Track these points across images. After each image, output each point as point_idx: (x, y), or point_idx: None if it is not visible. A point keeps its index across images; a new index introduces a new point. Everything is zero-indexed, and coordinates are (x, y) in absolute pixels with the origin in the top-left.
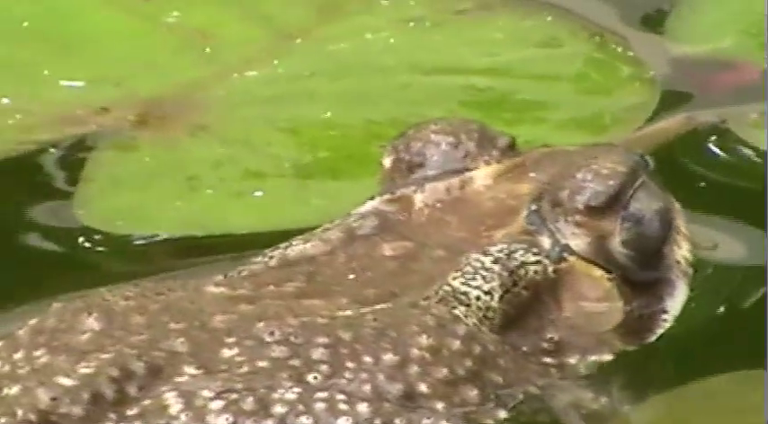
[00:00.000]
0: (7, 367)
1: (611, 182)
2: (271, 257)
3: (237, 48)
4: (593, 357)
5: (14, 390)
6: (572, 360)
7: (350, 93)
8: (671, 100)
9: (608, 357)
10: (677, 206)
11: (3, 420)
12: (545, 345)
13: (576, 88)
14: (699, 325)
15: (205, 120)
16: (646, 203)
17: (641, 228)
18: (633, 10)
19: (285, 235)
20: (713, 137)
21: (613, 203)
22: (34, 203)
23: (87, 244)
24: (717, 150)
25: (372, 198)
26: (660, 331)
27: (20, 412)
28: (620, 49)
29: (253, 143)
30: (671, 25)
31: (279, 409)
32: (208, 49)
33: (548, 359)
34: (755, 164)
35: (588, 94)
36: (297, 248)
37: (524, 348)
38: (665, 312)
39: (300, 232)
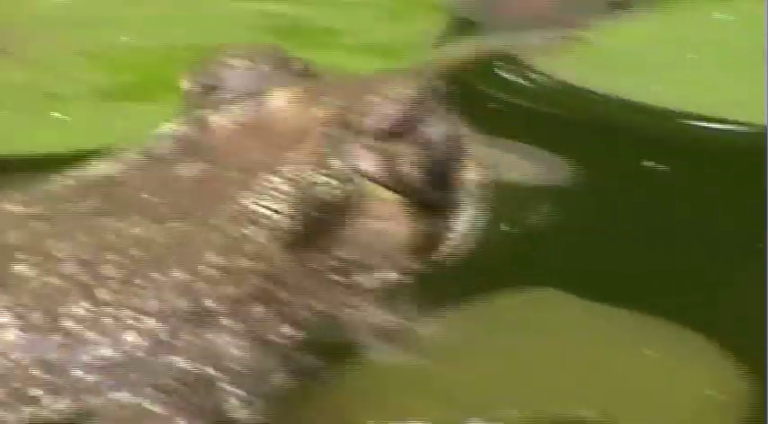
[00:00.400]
0: None
1: (400, 106)
2: (68, 176)
3: None
4: (383, 276)
5: None
6: (361, 279)
7: (150, 19)
8: (462, 26)
9: (397, 276)
10: (466, 130)
11: None
12: (335, 263)
13: (370, 15)
14: (486, 243)
15: (5, 44)
16: (435, 127)
17: (430, 151)
18: None
19: (85, 156)
20: (501, 62)
21: (403, 126)
22: None
23: None
24: (504, 74)
25: (171, 120)
26: (447, 250)
27: None
28: None
29: (53, 66)
30: None
31: (68, 323)
32: None
33: (337, 277)
34: (541, 88)
35: (381, 21)
36: (94, 169)
37: (315, 266)
38: (452, 231)
39: (97, 153)
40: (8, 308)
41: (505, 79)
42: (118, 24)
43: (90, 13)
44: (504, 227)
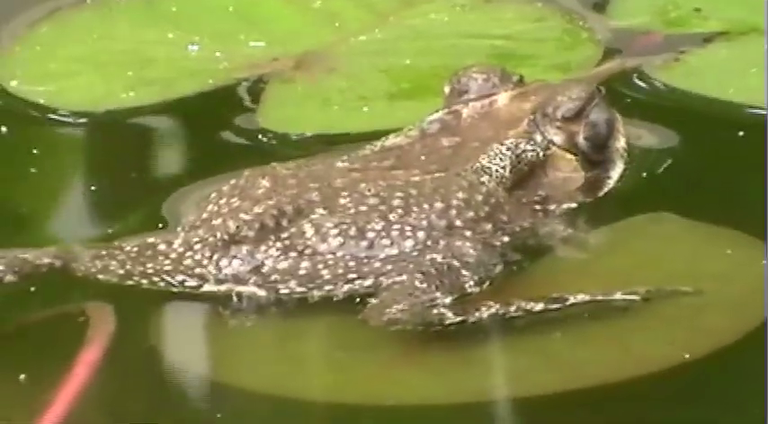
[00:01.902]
0: (216, 208)
1: (578, 102)
2: (375, 146)
3: (354, 23)
4: (565, 205)
5: (218, 221)
6: (552, 207)
7: (421, 50)
8: (609, 53)
9: (574, 205)
10: (617, 115)
11: (210, 238)
12: (536, 198)
13: (555, 46)
14: (629, 186)
15: (334, 65)
16: (599, 114)
17: (595, 129)
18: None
19: (382, 134)
20: (635, 74)
21: (579, 114)
22: (234, 113)
23: (264, 138)
24: (637, 82)
25: (437, 111)
26: (606, 190)
27: (218, 234)
28: (581, 23)
29: (362, 78)
30: (610, 8)
31: (370, 234)
32: (337, 24)
33: (537, 207)
34: (660, 91)
35: (562, 50)
36: (390, 141)
37: (523, 200)
38: (609, 178)
39: (391, 132)
40: (335, 225)
41: (637, 84)
42: (401, 53)
43: (384, 47)
44: (641, 175)
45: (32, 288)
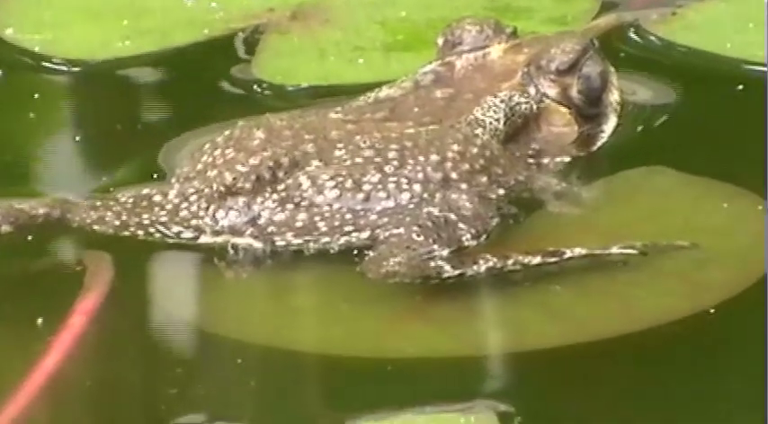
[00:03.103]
0: (210, 159)
1: (572, 55)
2: (368, 97)
3: None
4: (559, 159)
5: (213, 173)
6: (546, 161)
7: (417, 2)
8: (606, 7)
9: (567, 159)
10: (611, 68)
11: (206, 190)
12: (530, 152)
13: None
14: (623, 140)
15: (330, 16)
16: (592, 67)
17: (589, 82)
18: None
19: (376, 85)
20: (631, 28)
21: (573, 67)
22: (230, 64)
23: (258, 89)
24: (633, 36)
25: (430, 62)
26: (599, 144)
27: (214, 186)
28: None
29: (358, 30)
30: None
31: (366, 187)
32: None
33: (531, 161)
34: (656, 46)
35: (559, 3)
36: (384, 92)
37: (517, 154)
38: (602, 132)
39: (386, 83)
40: (331, 177)
41: (633, 38)
42: (398, 6)
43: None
44: (635, 129)
45: (30, 238)
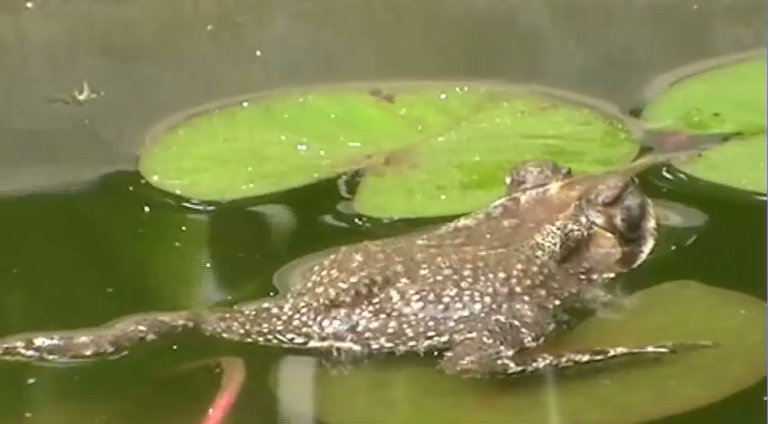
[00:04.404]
0: (318, 278)
1: (616, 190)
2: (448, 226)
3: (433, 126)
4: (605, 275)
5: (320, 289)
6: (594, 276)
7: (488, 148)
8: (644, 150)
9: (612, 275)
10: (649, 200)
11: (314, 303)
12: (581, 269)
13: (598, 145)
14: (658, 259)
15: (417, 161)
16: (633, 200)
17: (630, 212)
18: (624, 103)
19: (455, 217)
20: (664, 167)
21: (616, 200)
22: (334, 202)
23: (359, 222)
24: (666, 174)
25: (500, 198)
26: (639, 262)
27: (321, 300)
28: (620, 126)
29: (440, 172)
30: (644, 113)
31: (445, 299)
32: (419, 127)
33: (582, 277)
34: (685, 181)
35: (604, 148)
36: (461, 222)
37: (571, 271)
38: (642, 252)
39: (463, 215)
40: (417, 292)
41: (666, 176)
42: (472, 151)
43: (458, 146)
44: (669, 249)
45: (174, 347)
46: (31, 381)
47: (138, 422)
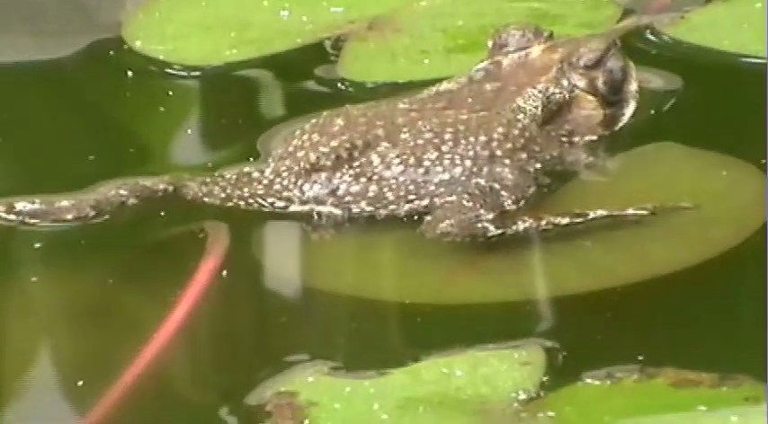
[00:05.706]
0: (299, 142)
1: (598, 53)
2: (430, 90)
3: None
4: (587, 138)
5: (301, 153)
6: (576, 139)
7: (472, 12)
8: (627, 13)
9: (594, 138)
10: (631, 63)
11: (295, 167)
12: (562, 132)
13: (581, 7)
14: (640, 121)
15: (400, 26)
16: (615, 62)
17: (612, 75)
18: None
19: (438, 81)
20: (647, 30)
21: (598, 63)
22: (317, 65)
23: (342, 86)
24: (649, 36)
25: (482, 61)
26: (621, 124)
27: (302, 164)
28: None
29: (424, 36)
30: None
31: (426, 163)
32: None
33: (563, 139)
34: (667, 43)
35: (587, 10)
36: (443, 86)
37: (552, 134)
38: (623, 115)
39: (446, 79)
40: (397, 155)
41: (648, 38)
42: (456, 16)
43: (442, 11)
44: (649, 111)
45: (162, 213)
46: (12, 246)
47: (124, 287)
